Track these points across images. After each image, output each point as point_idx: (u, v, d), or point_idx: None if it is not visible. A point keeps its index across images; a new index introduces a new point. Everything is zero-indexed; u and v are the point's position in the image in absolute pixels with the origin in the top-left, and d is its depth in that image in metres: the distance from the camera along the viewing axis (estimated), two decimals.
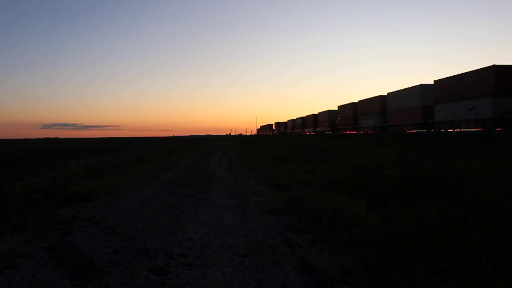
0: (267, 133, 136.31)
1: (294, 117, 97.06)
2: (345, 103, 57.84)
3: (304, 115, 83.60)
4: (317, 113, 72.94)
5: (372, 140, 30.40)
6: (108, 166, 16.30)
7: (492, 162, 11.17)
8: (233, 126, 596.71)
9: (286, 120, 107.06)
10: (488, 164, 10.61)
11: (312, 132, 74.20)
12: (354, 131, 53.22)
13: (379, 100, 44.40)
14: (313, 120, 74.43)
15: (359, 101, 51.70)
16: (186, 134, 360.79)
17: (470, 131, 28.69)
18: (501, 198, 6.05)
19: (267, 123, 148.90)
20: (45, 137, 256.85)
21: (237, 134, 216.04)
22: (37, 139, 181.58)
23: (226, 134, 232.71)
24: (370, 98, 47.54)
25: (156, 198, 9.04)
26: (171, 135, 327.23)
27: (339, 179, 9.50)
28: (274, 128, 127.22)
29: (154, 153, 28.35)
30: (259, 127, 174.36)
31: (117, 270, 4.30)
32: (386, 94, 42.81)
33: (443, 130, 31.91)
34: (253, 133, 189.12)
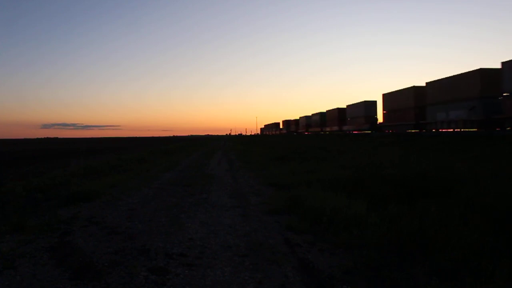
0: (273, 132, 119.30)
1: (309, 113, 78.08)
2: (393, 90, 39.74)
3: (324, 110, 65.60)
4: (344, 106, 55.97)
5: (373, 140, 30.37)
6: (108, 166, 16.31)
7: (492, 162, 11.17)
8: (233, 126, 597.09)
9: (298, 117, 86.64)
10: (488, 164, 10.61)
11: (337, 131, 57.57)
12: (417, 129, 35.71)
13: (479, 77, 26.43)
14: (337, 115, 57.43)
15: (428, 83, 33.29)
16: (186, 134, 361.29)
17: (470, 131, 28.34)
18: (501, 198, 6.05)
19: (273, 122, 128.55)
20: (45, 137, 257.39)
21: (237, 134, 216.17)
22: (37, 139, 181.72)
23: (226, 134, 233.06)
24: (457, 76, 28.78)
25: (156, 198, 9.03)
26: (171, 135, 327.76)
27: (339, 179, 9.50)
28: (281, 126, 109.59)
29: (154, 153, 28.35)
30: (263, 126, 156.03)
31: (117, 270, 4.30)
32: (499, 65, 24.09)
33: None
34: (253, 133, 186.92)
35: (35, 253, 4.94)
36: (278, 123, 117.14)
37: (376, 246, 4.86)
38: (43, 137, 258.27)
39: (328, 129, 62.90)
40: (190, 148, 40.19)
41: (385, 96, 42.19)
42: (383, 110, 42.94)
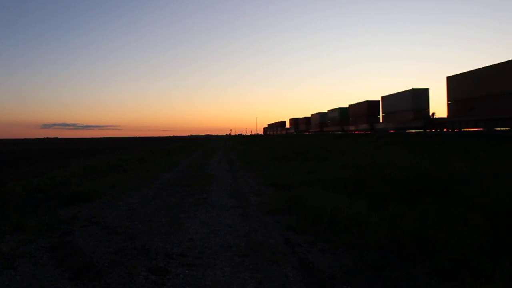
0: (278, 132, 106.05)
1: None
2: (457, 72, 28.32)
3: (347, 105, 52.63)
4: (377, 99, 43.73)
5: (376, 140, 30.33)
6: (108, 166, 16.31)
7: (493, 162, 11.17)
8: (233, 126, 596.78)
9: (310, 115, 73.21)
10: (488, 164, 10.60)
11: (366, 130, 44.93)
12: None
13: None
14: (367, 110, 44.72)
15: None
16: (186, 134, 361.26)
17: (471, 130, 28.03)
18: (501, 198, 6.04)
19: (278, 121, 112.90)
20: (45, 137, 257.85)
21: (237, 134, 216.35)
22: (37, 139, 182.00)
23: (226, 134, 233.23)
24: None
25: (156, 198, 9.03)
26: (171, 135, 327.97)
27: (340, 179, 9.50)
28: (288, 126, 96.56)
29: (154, 153, 28.38)
30: (266, 126, 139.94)
31: (117, 270, 4.30)
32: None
33: None
34: (254, 133, 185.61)
35: (35, 253, 4.93)
36: (284, 122, 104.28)
37: (377, 246, 4.86)
38: (43, 137, 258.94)
39: (352, 127, 49.64)
40: (190, 148, 40.20)
41: (454, 80, 28.51)
42: (448, 100, 29.50)
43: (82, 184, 10.90)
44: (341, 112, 54.47)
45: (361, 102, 47.14)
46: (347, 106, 52.57)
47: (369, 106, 44.82)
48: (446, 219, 5.40)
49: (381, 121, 42.75)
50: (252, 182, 11.95)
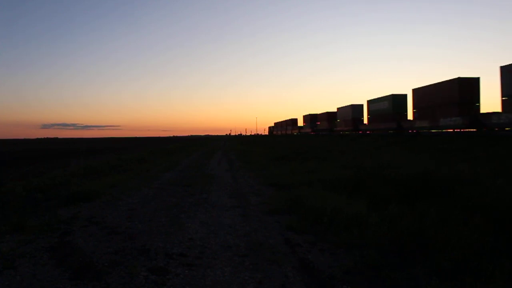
0: (289, 132, 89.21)
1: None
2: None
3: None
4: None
5: (376, 140, 30.33)
6: (108, 166, 16.32)
7: (493, 162, 11.17)
8: (233, 126, 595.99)
9: (336, 109, 56.57)
10: (489, 164, 10.61)
11: (460, 127, 27.82)
12: None
13: None
14: (458, 96, 27.54)
15: None
16: (186, 134, 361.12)
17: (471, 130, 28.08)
18: (501, 198, 6.04)
19: (288, 118, 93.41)
20: (45, 137, 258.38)
21: (237, 134, 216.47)
22: (37, 139, 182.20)
23: (226, 134, 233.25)
24: None
25: (156, 198, 9.03)
26: (171, 135, 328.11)
27: (340, 179, 9.50)
28: (301, 124, 78.96)
29: (154, 153, 28.39)
30: (272, 124, 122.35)
31: (117, 270, 4.29)
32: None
33: None
34: (254, 133, 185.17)
35: (35, 253, 4.93)
36: (295, 120, 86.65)
37: (377, 246, 4.86)
38: (43, 137, 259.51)
39: (421, 123, 31.79)
40: (190, 148, 40.22)
41: None
42: None
43: (82, 184, 10.90)
44: (395, 101, 36.20)
45: (443, 82, 28.48)
46: (412, 90, 33.54)
47: (462, 88, 26.82)
48: (446, 219, 5.40)
49: (497, 110, 24.57)
50: (252, 182, 11.96)
